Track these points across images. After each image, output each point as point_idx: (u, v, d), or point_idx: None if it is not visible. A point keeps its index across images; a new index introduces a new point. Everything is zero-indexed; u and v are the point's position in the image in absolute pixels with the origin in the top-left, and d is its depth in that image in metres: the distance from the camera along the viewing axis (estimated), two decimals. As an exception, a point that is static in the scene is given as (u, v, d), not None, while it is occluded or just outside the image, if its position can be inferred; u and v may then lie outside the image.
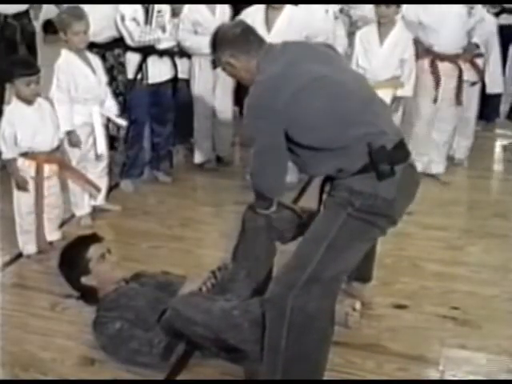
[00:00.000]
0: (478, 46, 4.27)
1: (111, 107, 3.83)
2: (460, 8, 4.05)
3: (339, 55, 2.68)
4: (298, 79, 2.21)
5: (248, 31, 2.42)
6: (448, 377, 2.58)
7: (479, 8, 4.16)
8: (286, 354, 2.23)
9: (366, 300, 2.90)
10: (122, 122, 3.95)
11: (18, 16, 4.38)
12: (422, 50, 4.11)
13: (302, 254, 2.26)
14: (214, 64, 4.26)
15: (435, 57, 4.12)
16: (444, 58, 4.12)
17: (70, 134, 3.62)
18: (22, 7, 4.43)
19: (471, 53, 4.24)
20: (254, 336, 2.35)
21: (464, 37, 4.14)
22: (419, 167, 4.14)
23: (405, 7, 4.00)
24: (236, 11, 4.24)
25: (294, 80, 2.20)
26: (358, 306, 2.76)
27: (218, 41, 2.40)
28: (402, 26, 3.99)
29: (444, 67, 4.13)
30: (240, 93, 4.29)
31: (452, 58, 4.14)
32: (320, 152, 2.25)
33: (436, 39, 4.08)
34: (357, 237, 2.26)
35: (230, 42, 2.37)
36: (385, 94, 3.86)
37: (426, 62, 4.13)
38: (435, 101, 4.12)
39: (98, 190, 3.84)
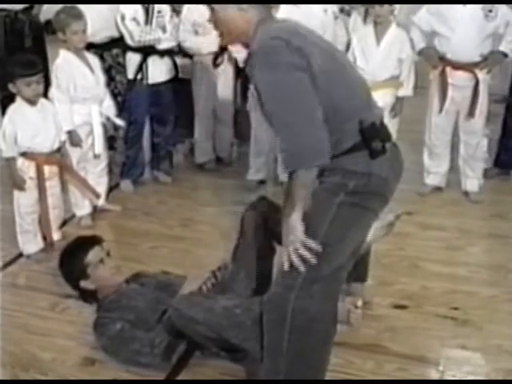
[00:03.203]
0: (506, 55, 3.82)
1: (110, 107, 3.84)
2: (474, 11, 3.68)
3: None
4: (306, 37, 2.16)
5: None
6: (448, 377, 2.58)
7: (502, 10, 3.71)
8: (287, 357, 2.20)
9: (365, 300, 2.89)
10: (120, 123, 3.95)
11: (26, 10, 4.46)
12: (438, 59, 3.85)
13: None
14: (215, 64, 4.33)
15: (447, 65, 3.81)
16: (458, 66, 3.79)
17: (71, 133, 3.62)
18: (29, 2, 4.53)
19: (494, 62, 3.85)
20: (257, 334, 2.34)
21: (482, 43, 3.75)
22: (434, 180, 4.15)
23: (417, 17, 3.89)
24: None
25: (303, 35, 2.16)
26: (359, 303, 2.75)
27: None
28: (397, 26, 3.94)
29: (459, 76, 3.82)
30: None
31: (468, 67, 3.79)
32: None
33: (448, 46, 3.78)
34: (350, 226, 2.21)
35: None
36: (385, 95, 3.89)
37: (438, 71, 3.89)
38: (440, 111, 3.91)
39: (98, 196, 3.85)
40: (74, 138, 3.64)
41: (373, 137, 2.16)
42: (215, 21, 2.28)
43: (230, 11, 2.21)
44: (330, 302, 2.27)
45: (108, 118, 3.83)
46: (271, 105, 2.10)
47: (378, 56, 3.94)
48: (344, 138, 2.16)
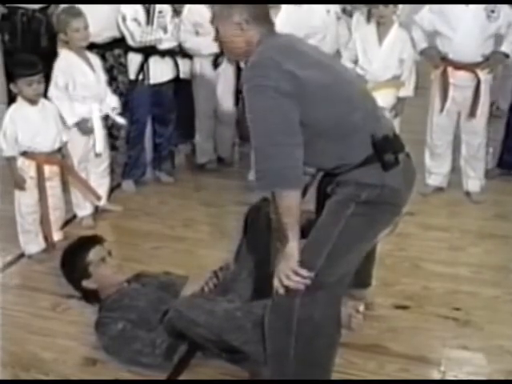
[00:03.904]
0: (507, 56, 3.83)
1: (112, 102, 3.82)
2: (476, 12, 3.69)
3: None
4: (304, 55, 2.17)
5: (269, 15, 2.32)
6: (449, 377, 2.58)
7: (504, 11, 3.71)
8: (295, 363, 2.21)
9: (367, 301, 2.89)
10: (122, 121, 3.94)
11: (43, 10, 4.46)
12: (439, 59, 3.85)
13: (303, 261, 2.16)
14: (216, 64, 4.33)
15: (448, 65, 3.82)
16: (460, 66, 3.79)
17: (78, 124, 3.61)
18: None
19: (496, 62, 3.86)
20: (257, 337, 2.34)
21: (484, 44, 3.76)
22: (436, 181, 4.16)
23: (419, 17, 3.89)
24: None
25: (301, 53, 2.16)
26: (361, 308, 2.75)
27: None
28: (399, 26, 3.94)
29: (460, 76, 3.82)
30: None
31: (469, 67, 3.79)
32: (321, 138, 2.15)
33: (450, 46, 3.78)
34: (359, 238, 2.21)
35: (254, 8, 2.22)
36: (386, 95, 3.89)
37: (439, 71, 3.89)
38: (441, 110, 3.92)
39: (98, 197, 3.84)
40: (82, 126, 3.63)
41: (385, 150, 2.15)
42: (218, 38, 2.29)
43: (230, 31, 2.22)
44: (334, 308, 2.27)
45: (107, 118, 3.82)
46: (250, 124, 2.12)
47: (380, 56, 3.94)
48: (352, 151, 2.16)
